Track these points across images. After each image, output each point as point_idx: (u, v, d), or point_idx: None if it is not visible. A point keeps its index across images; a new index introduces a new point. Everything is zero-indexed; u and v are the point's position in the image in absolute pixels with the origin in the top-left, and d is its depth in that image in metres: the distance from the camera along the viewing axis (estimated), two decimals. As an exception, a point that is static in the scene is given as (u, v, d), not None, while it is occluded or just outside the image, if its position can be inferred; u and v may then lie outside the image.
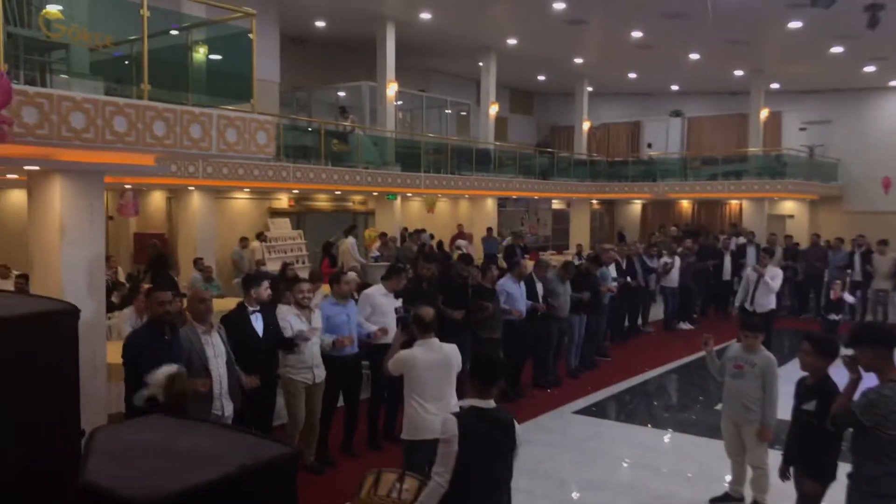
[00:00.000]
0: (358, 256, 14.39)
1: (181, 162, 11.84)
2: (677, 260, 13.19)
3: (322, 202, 17.89)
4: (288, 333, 6.11)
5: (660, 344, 12.29)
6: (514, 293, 8.55)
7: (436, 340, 4.87)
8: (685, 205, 25.21)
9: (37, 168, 5.85)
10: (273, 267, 12.81)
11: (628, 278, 11.81)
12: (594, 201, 25.38)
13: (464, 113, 23.34)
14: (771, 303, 10.25)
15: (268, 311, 6.08)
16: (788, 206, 23.02)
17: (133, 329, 6.05)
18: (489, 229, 18.90)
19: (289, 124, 15.68)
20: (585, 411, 8.43)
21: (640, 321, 13.12)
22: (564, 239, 24.48)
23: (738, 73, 21.63)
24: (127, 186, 13.22)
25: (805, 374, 4.55)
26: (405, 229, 17.47)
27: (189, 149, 5.88)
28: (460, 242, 15.25)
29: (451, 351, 4.91)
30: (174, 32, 6.77)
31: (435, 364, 4.80)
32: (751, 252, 14.82)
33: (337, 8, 16.77)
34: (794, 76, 21.87)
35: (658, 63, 21.14)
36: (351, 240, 14.38)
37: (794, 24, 15.65)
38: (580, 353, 10.08)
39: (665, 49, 19.16)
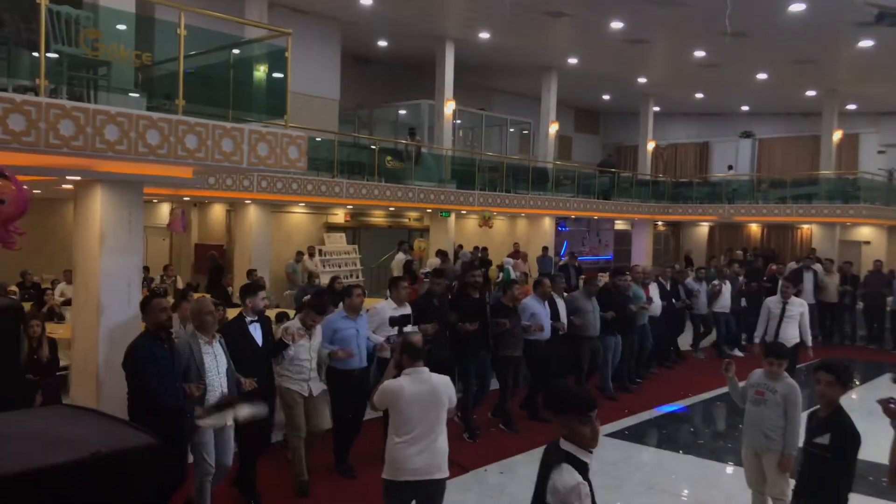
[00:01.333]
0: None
1: (237, 177, 12.29)
2: (728, 284, 12.73)
3: (377, 218, 18.17)
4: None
5: (708, 370, 11.93)
6: (538, 312, 8.29)
7: (425, 370, 4.48)
8: (754, 228, 24.44)
9: (78, 178, 6.19)
10: (326, 280, 13.07)
11: (673, 300, 11.50)
12: (659, 223, 24.91)
13: (525, 132, 23.34)
14: (795, 336, 8.91)
15: (266, 321, 6.13)
16: (864, 233, 22.03)
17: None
18: (545, 248, 18.77)
19: (344, 140, 15.98)
20: (618, 434, 8.24)
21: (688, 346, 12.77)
22: (627, 260, 24.06)
23: (810, 93, 20.95)
24: (185, 199, 13.77)
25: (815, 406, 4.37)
26: (460, 246, 17.54)
27: (220, 162, 6.11)
28: (507, 261, 15.17)
29: (442, 383, 4.48)
30: (210, 51, 6.99)
31: (422, 397, 4.38)
32: (808, 278, 14.14)
33: (398, 28, 17.12)
34: (871, 97, 21.02)
35: (725, 83, 20.70)
36: (401, 255, 14.52)
37: (865, 43, 15.09)
38: (615, 375, 9.82)
39: (731, 69, 18.75)
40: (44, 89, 5.20)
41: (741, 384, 5.52)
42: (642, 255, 23.21)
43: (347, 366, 6.37)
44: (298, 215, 16.19)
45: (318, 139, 15.06)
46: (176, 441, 4.77)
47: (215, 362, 5.25)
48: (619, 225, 25.19)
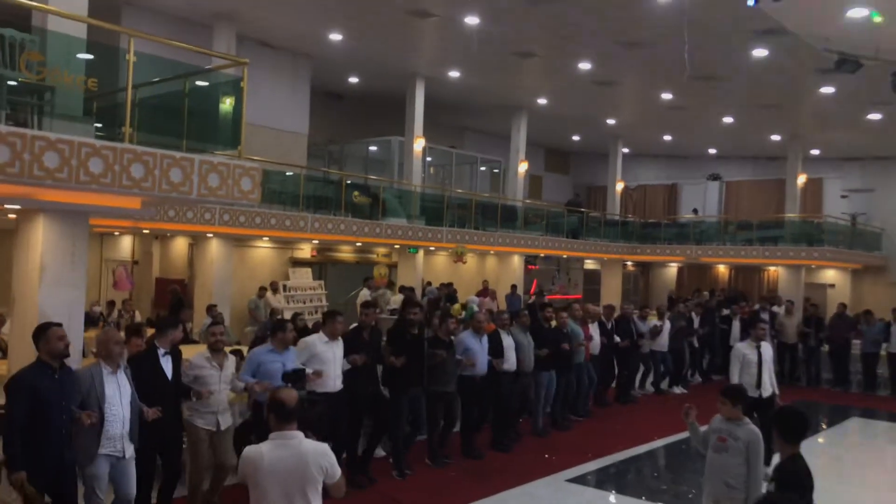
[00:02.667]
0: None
1: (198, 209, 12.04)
2: (667, 323, 12.81)
3: (345, 253, 17.96)
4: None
5: (662, 409, 11.86)
6: (472, 347, 8.20)
7: (296, 436, 3.68)
8: (722, 269, 24.62)
9: (17, 207, 5.94)
10: (289, 316, 12.80)
11: (616, 338, 11.67)
12: (628, 263, 24.98)
13: (496, 170, 23.39)
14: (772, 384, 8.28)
15: (178, 354, 6.06)
16: (829, 275, 22.28)
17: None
18: (513, 286, 18.66)
19: (313, 175, 15.84)
20: (580, 480, 8.02)
21: (635, 385, 12.78)
22: (595, 299, 24.02)
23: (775, 137, 21.29)
24: (145, 231, 13.45)
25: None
26: (428, 283, 17.36)
27: (168, 192, 5.90)
28: (472, 299, 15.01)
29: (314, 452, 3.65)
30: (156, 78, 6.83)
31: (283, 468, 3.59)
32: (764, 319, 14.11)
33: (369, 64, 17.14)
34: (833, 142, 21.44)
35: (692, 125, 20.99)
36: (366, 291, 14.30)
37: (827, 90, 15.38)
38: (551, 413, 9.97)
39: (697, 111, 19.02)
40: (-23, 113, 4.98)
41: (702, 429, 5.32)
42: (612, 294, 23.18)
43: (264, 399, 6.21)
44: (263, 250, 15.93)
45: (289, 173, 14.93)
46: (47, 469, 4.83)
47: (118, 392, 5.20)
48: (589, 264, 25.21)
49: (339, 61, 16.88)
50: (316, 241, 15.84)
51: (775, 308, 14.95)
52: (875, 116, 17.28)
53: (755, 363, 8.03)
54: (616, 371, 12.07)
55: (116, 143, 5.65)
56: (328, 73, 17.74)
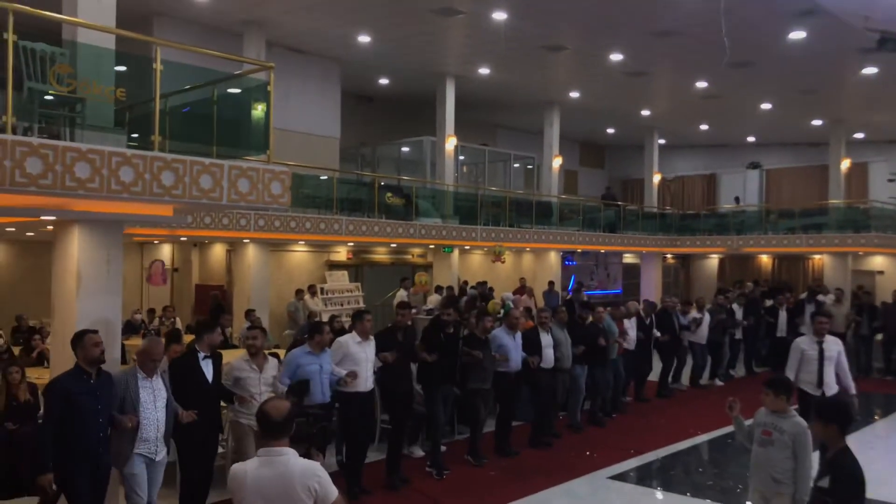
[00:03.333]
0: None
1: (234, 215, 12.16)
2: (707, 315, 12.62)
3: (380, 255, 17.99)
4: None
5: (702, 403, 11.66)
6: (506, 344, 8.24)
7: (285, 452, 3.36)
8: (765, 260, 24.08)
9: (53, 218, 6.02)
10: (327, 319, 12.86)
11: (656, 332, 11.63)
12: (668, 256, 24.60)
13: (530, 166, 23.22)
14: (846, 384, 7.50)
15: (218, 357, 6.16)
16: (877, 262, 21.59)
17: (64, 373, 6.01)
18: (550, 283, 18.52)
19: (346, 178, 15.89)
20: (622, 477, 7.88)
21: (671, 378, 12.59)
22: (635, 294, 23.70)
23: (817, 122, 20.74)
24: (182, 239, 13.62)
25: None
26: (465, 282, 17.30)
27: (199, 199, 5.92)
28: (506, 296, 14.89)
29: (301, 471, 3.32)
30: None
31: (267, 488, 3.29)
32: (808, 309, 13.65)
33: (398, 65, 17.13)
34: (878, 125, 20.80)
35: (729, 114, 20.55)
36: (403, 291, 14.29)
37: (869, 70, 14.92)
38: (590, 409, 10.03)
39: (734, 99, 18.61)
40: (10, 127, 5.05)
41: (747, 423, 5.15)
42: (652, 288, 22.85)
43: (309, 401, 6.30)
44: (299, 254, 16.03)
45: (324, 177, 15.01)
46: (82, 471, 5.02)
47: (152, 396, 5.34)
48: (628, 258, 24.88)
49: (369, 63, 16.90)
50: (351, 244, 15.89)
51: (821, 297, 14.53)
52: (921, 96, 16.74)
53: (815, 359, 7.39)
54: (651, 366, 11.97)
55: (146, 151, 5.70)
56: (358, 75, 17.79)
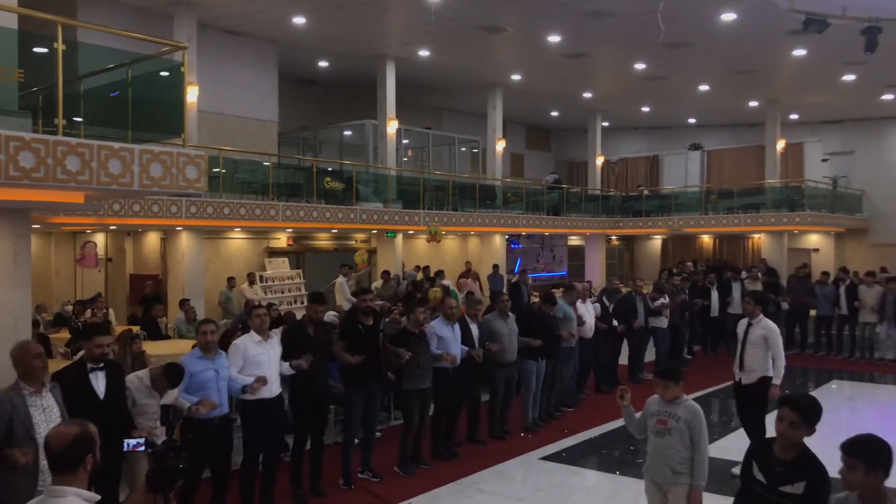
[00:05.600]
0: (349, 295, 14.10)
1: (164, 202, 11.85)
2: (667, 299, 12.45)
3: (322, 241, 17.76)
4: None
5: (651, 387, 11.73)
6: (446, 337, 7.48)
7: (63, 494, 2.73)
8: (706, 240, 24.55)
9: (-49, 207, 5.74)
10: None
11: (615, 321, 11.03)
12: (613, 237, 24.88)
13: (475, 150, 23.18)
14: (763, 366, 7.21)
15: (115, 369, 5.27)
16: (813, 240, 22.24)
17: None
18: (495, 266, 18.54)
19: (283, 163, 15.64)
20: (555, 457, 7.92)
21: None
22: (580, 275, 23.94)
23: (753, 104, 21.14)
24: (112, 227, 13.23)
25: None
26: (416, 267, 17.20)
27: (108, 185, 5.69)
28: (446, 283, 14.83)
29: None
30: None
31: None
32: (735, 288, 14.04)
33: (337, 47, 16.86)
34: (812, 106, 21.30)
35: (670, 95, 20.80)
36: (342, 278, 14.12)
37: (799, 52, 15.21)
38: (539, 404, 9.07)
39: (673, 81, 18.83)
40: None
41: (638, 414, 4.88)
42: (596, 269, 23.13)
43: (207, 415, 5.57)
44: (237, 241, 15.72)
45: (266, 163, 14.71)
46: None
47: (45, 417, 4.28)
48: (573, 241, 25.10)
49: (307, 46, 16.59)
50: (289, 230, 15.65)
51: (748, 277, 14.92)
52: (849, 77, 17.13)
53: (740, 342, 7.34)
54: (615, 352, 11.48)
55: (49, 135, 5.45)
56: (296, 58, 17.47)
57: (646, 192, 23.98)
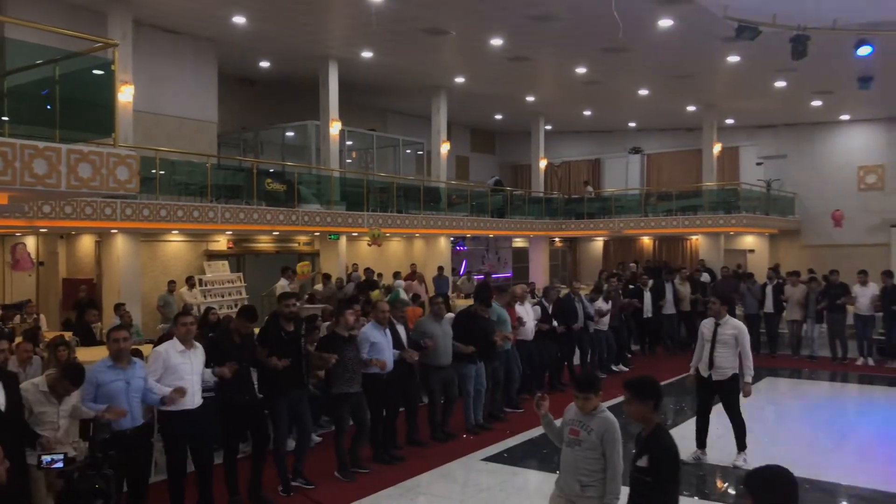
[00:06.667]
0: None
1: (97, 204, 11.50)
2: (609, 302, 12.63)
3: (264, 244, 17.51)
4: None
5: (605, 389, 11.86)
6: (378, 342, 7.39)
7: None
8: (646, 241, 25.04)
9: None
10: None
11: (555, 323, 11.03)
12: (556, 239, 25.19)
13: (420, 152, 23.18)
14: (733, 366, 7.45)
15: (10, 378, 5.01)
16: (748, 241, 22.91)
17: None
18: (440, 268, 18.58)
19: (222, 164, 15.36)
20: (497, 458, 7.95)
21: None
22: (525, 277, 24.17)
23: (691, 108, 21.66)
24: (43, 230, 12.81)
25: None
26: (354, 266, 17.06)
27: (33, 185, 5.52)
28: (397, 283, 14.80)
29: None
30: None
31: None
32: (668, 289, 14.47)
33: (279, 47, 16.64)
34: (746, 111, 21.93)
35: (610, 100, 21.15)
36: (284, 281, 13.95)
37: (733, 58, 15.64)
38: (481, 407, 9.03)
39: (614, 85, 19.15)
40: None
41: (558, 422, 4.63)
42: (540, 271, 23.37)
43: (117, 426, 5.33)
44: (175, 244, 15.36)
45: (215, 164, 14.40)
46: None
47: None
48: (518, 242, 25.33)
49: (247, 45, 16.33)
50: (229, 233, 15.38)
51: (678, 278, 15.33)
52: (781, 84, 17.70)
53: (709, 341, 7.44)
54: (566, 354, 11.56)
55: (-33, 134, 5.24)
56: (237, 57, 17.18)
57: (591, 189, 24.38)
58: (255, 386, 6.75)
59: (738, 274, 16.30)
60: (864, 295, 13.50)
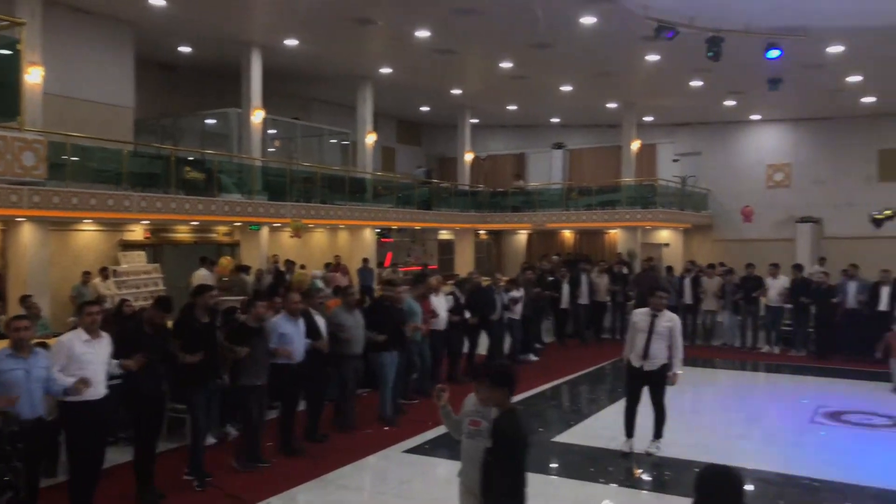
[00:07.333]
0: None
1: (2, 190, 10.91)
2: (522, 291, 12.95)
3: (182, 234, 17.01)
4: None
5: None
6: (288, 333, 7.41)
7: None
8: (568, 235, 25.55)
9: None
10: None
11: (466, 313, 11.26)
12: (481, 232, 25.41)
13: (346, 142, 22.93)
14: (665, 356, 7.66)
15: None
16: (664, 235, 23.66)
17: None
18: (364, 260, 18.48)
19: (140, 151, 14.83)
20: (417, 450, 7.99)
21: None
22: (450, 269, 24.30)
23: (612, 105, 22.17)
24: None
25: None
26: (275, 257, 16.77)
27: (-73, 170, 5.20)
28: (314, 273, 14.65)
29: None
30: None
31: None
32: (584, 280, 15.07)
33: (200, 32, 16.17)
34: (664, 109, 22.60)
35: (535, 95, 21.43)
36: (204, 272, 13.60)
37: (653, 57, 16.09)
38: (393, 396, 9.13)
39: (538, 80, 19.41)
40: None
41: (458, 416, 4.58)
42: (465, 263, 23.52)
43: (13, 412, 5.18)
44: (88, 233, 14.74)
45: (128, 151, 13.84)
46: None
47: None
48: (444, 235, 25.42)
49: (167, 29, 15.78)
50: (146, 222, 14.88)
51: (590, 269, 15.96)
52: (697, 83, 18.32)
53: (645, 332, 7.58)
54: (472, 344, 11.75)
55: None
56: (156, 42, 16.60)
57: (522, 182, 24.73)
58: (164, 378, 6.62)
59: (653, 267, 16.88)
60: (774, 287, 14.19)
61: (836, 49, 14.78)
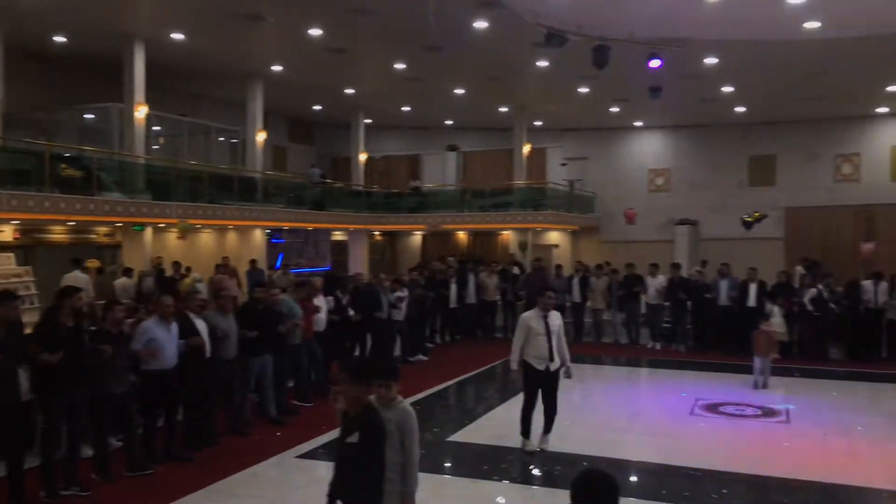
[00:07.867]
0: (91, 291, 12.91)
1: None
2: (406, 291, 13.00)
3: (57, 234, 16.05)
4: None
5: (407, 377, 12.10)
6: (158, 337, 7.14)
7: None
8: (462, 236, 25.87)
9: None
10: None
11: (351, 312, 11.32)
12: (376, 233, 25.32)
13: (235, 141, 22.28)
14: (565, 353, 7.84)
15: None
16: (554, 237, 24.37)
17: None
18: (253, 261, 17.99)
19: (7, 147, 13.87)
20: (311, 454, 7.84)
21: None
22: (343, 270, 24.07)
23: (503, 109, 22.62)
24: None
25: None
26: (158, 259, 16.08)
27: None
28: (215, 277, 14.18)
29: None
30: None
31: None
32: (471, 280, 15.54)
33: (77, 22, 15.28)
34: (553, 114, 23.29)
35: (428, 97, 21.58)
36: (79, 273, 12.87)
37: (542, 63, 16.53)
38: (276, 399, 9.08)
39: (431, 82, 19.56)
40: None
41: None
42: (360, 264, 23.37)
43: None
44: (-51, 234, 13.69)
45: None
46: None
47: None
48: (337, 235, 25.16)
49: (38, 17, 14.78)
50: (16, 222, 13.93)
51: (486, 271, 16.31)
52: (584, 90, 18.97)
53: (543, 334, 7.56)
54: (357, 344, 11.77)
55: None
56: (26, 30, 15.54)
57: (419, 182, 24.83)
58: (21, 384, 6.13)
59: (542, 267, 17.36)
60: (653, 286, 14.90)
61: (711, 60, 15.69)
